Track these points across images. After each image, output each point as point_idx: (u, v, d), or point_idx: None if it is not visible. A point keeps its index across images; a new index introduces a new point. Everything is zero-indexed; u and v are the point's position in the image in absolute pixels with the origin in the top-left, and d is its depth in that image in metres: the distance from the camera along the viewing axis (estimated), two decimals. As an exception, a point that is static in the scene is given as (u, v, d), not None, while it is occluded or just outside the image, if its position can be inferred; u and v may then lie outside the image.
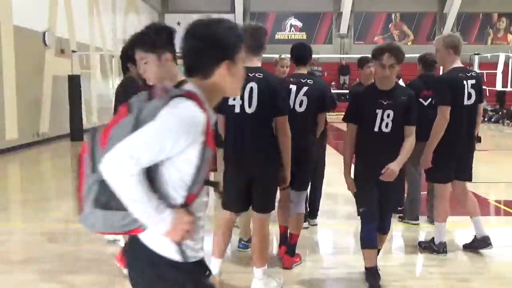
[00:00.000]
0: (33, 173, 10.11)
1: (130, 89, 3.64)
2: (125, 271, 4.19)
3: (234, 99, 3.73)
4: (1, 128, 11.66)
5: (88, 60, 16.59)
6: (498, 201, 6.89)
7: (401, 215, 5.86)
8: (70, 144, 13.82)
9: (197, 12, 28.57)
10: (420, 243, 5.03)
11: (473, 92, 4.57)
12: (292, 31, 29.64)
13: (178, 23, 29.07)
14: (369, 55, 5.18)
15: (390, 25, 29.75)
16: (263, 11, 29.37)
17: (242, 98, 3.71)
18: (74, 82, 14.22)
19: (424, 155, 4.66)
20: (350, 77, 25.74)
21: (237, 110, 3.74)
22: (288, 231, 4.63)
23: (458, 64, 4.65)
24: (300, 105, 4.37)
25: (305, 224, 5.16)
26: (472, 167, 4.79)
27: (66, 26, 15.57)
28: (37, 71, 13.59)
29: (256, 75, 3.73)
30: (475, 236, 4.87)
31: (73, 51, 15.19)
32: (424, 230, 5.72)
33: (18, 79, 12.31)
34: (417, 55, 6.02)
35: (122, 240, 5.01)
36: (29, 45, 12.98)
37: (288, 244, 4.56)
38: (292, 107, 4.27)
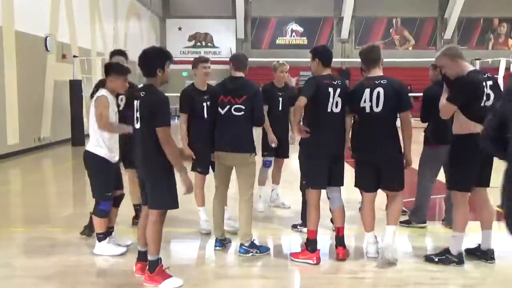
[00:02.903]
0: (34, 178, 10.11)
1: None
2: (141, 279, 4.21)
3: (364, 102, 4.60)
4: (3, 133, 11.67)
5: (89, 65, 16.62)
6: (500, 206, 6.88)
7: (407, 219, 5.87)
8: (71, 149, 13.83)
9: (198, 17, 28.67)
10: (430, 258, 4.77)
11: (491, 93, 4.54)
12: (293, 36, 29.70)
13: (179, 28, 29.16)
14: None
15: (391, 30, 29.81)
16: (264, 16, 29.44)
17: (371, 100, 4.59)
18: (75, 87, 14.26)
19: None
20: (350, 82, 25.73)
21: (368, 110, 4.61)
22: (334, 225, 5.01)
23: (471, 67, 4.59)
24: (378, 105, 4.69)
25: (305, 230, 5.15)
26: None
27: (68, 31, 15.62)
28: (38, 76, 13.62)
29: (382, 81, 4.63)
30: (479, 245, 4.82)
31: (75, 56, 15.23)
32: (427, 236, 5.72)
33: (19, 84, 12.33)
34: (418, 59, 6.05)
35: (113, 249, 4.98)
36: (30, 50, 13.01)
37: (338, 237, 4.86)
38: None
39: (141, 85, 4.34)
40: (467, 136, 4.47)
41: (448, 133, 5.49)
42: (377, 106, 4.61)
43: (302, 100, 4.62)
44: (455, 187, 4.66)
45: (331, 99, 4.66)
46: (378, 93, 4.60)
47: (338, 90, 4.69)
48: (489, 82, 4.52)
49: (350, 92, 4.93)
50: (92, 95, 5.13)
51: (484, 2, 28.15)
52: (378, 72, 4.76)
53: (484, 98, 4.48)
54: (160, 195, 4.09)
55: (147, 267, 4.18)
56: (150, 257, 4.15)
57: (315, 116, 4.73)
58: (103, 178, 4.85)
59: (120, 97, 5.32)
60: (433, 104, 5.55)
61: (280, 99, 6.43)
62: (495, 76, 4.78)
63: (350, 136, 5.86)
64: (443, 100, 4.55)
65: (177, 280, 4.18)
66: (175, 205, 4.14)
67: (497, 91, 4.55)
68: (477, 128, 4.48)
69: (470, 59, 16.05)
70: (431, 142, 5.70)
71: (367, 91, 4.63)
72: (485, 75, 4.59)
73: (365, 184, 4.89)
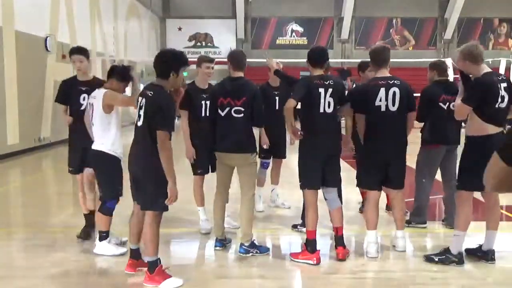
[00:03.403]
0: (34, 178, 10.11)
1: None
2: (133, 277, 4.20)
3: (380, 100, 4.72)
4: (3, 133, 11.67)
5: (89, 65, 16.59)
6: (500, 206, 6.87)
7: (407, 219, 5.85)
8: (71, 149, 13.82)
9: (198, 17, 28.67)
10: (430, 258, 4.76)
11: (506, 95, 4.51)
12: (293, 36, 29.71)
13: (180, 29, 29.16)
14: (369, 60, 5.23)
15: (391, 30, 29.80)
16: (264, 16, 29.44)
17: (387, 99, 4.73)
18: (75, 87, 14.24)
19: None
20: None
21: (383, 109, 4.74)
22: (333, 226, 4.91)
23: (486, 69, 4.53)
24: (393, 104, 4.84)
25: (305, 229, 5.15)
26: None
27: (68, 31, 15.62)
28: (38, 76, 13.61)
29: (395, 81, 4.81)
30: (480, 246, 4.81)
31: (75, 56, 15.20)
32: (427, 236, 5.72)
33: (19, 84, 12.33)
34: (418, 60, 6.08)
35: (114, 249, 4.97)
36: (30, 50, 13.00)
37: (337, 237, 4.83)
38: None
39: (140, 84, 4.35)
40: (481, 138, 4.46)
41: (447, 133, 5.51)
42: (393, 105, 4.78)
43: (291, 102, 4.63)
44: (465, 187, 4.62)
45: (322, 100, 4.65)
46: (394, 92, 4.77)
47: (330, 90, 4.68)
48: (504, 84, 4.51)
49: (360, 92, 5.00)
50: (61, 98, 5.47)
51: (484, 2, 28.15)
52: (386, 72, 4.89)
53: (499, 100, 4.46)
54: (154, 196, 4.05)
55: (147, 268, 4.17)
56: (148, 258, 4.14)
57: (308, 117, 4.74)
58: (114, 176, 4.85)
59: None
60: (431, 104, 5.57)
61: (277, 98, 6.38)
62: (509, 78, 4.75)
63: (351, 136, 5.86)
64: (458, 101, 4.52)
65: (177, 280, 4.17)
66: (167, 207, 4.10)
67: (510, 92, 4.54)
68: (491, 129, 4.48)
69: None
70: (428, 142, 5.69)
71: (383, 90, 4.76)
72: (499, 77, 4.58)
73: (371, 183, 4.98)
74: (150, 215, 4.10)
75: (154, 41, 27.74)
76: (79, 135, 5.23)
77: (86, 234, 5.38)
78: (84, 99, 5.32)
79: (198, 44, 29.31)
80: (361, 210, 6.36)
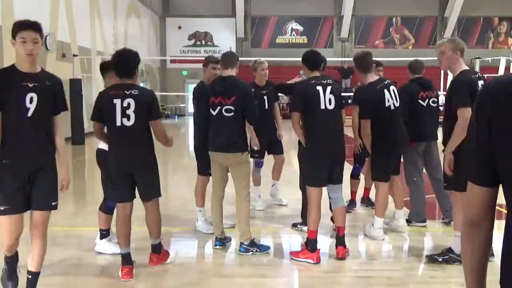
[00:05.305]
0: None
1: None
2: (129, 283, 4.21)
3: (388, 101, 5.14)
4: (3, 132, 11.65)
5: (89, 64, 16.61)
6: (500, 205, 6.88)
7: (407, 218, 5.85)
8: (71, 148, 13.83)
9: (198, 16, 28.67)
10: (434, 258, 4.68)
11: None
12: (293, 35, 29.72)
13: (179, 27, 29.16)
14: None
15: (391, 29, 29.81)
16: (264, 15, 29.45)
17: (392, 98, 5.16)
18: (75, 86, 14.25)
19: (445, 161, 4.42)
20: (352, 81, 25.78)
21: (392, 108, 5.19)
22: (334, 225, 5.02)
23: (465, 67, 4.52)
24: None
25: (305, 228, 5.16)
26: None
27: (68, 30, 15.62)
28: (38, 75, 13.60)
29: (388, 81, 5.32)
30: None
31: (75, 55, 15.22)
32: (427, 235, 5.72)
33: (19, 83, 12.33)
34: (419, 58, 6.07)
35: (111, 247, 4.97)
36: (30, 49, 12.99)
37: (339, 237, 4.85)
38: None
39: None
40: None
41: (425, 130, 5.61)
42: (396, 101, 5.24)
43: (295, 116, 4.77)
44: (455, 187, 4.60)
45: (322, 96, 4.66)
46: (393, 90, 5.25)
47: (329, 88, 4.70)
48: (480, 82, 4.48)
49: (371, 101, 5.12)
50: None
51: (484, 1, 28.17)
52: (374, 76, 5.36)
53: None
54: (157, 185, 4.43)
55: (153, 250, 4.53)
56: (156, 241, 4.53)
57: (309, 115, 4.73)
58: None
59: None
60: (411, 101, 5.63)
61: (265, 97, 6.35)
62: (485, 75, 4.74)
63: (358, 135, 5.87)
64: (457, 108, 4.40)
65: (172, 254, 4.74)
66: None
67: None
68: None
69: (470, 58, 16.05)
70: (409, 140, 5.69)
71: (386, 91, 5.18)
72: (476, 74, 4.58)
73: (386, 176, 5.33)
74: (155, 202, 4.45)
75: (154, 40, 27.73)
76: (23, 154, 3.52)
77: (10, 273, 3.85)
78: (31, 100, 3.48)
79: (198, 43, 29.31)
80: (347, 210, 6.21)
